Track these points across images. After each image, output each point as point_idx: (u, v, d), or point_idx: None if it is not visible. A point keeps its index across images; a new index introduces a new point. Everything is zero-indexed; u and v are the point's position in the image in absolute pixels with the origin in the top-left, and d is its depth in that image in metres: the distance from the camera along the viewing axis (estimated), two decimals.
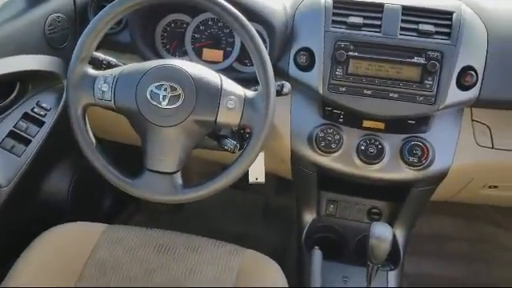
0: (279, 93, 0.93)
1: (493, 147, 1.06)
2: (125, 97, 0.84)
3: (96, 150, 0.86)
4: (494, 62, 0.99)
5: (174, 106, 0.82)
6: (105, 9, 0.85)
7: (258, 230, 1.68)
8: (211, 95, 0.83)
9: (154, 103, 0.83)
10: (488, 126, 1.07)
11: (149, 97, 0.83)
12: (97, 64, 0.92)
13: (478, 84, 0.99)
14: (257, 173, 1.12)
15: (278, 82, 0.94)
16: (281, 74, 1.06)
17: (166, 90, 0.83)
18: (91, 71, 0.87)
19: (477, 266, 1.57)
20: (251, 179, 1.12)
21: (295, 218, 1.27)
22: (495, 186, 1.15)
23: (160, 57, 1.13)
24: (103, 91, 0.84)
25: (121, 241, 0.98)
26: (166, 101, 0.83)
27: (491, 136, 1.07)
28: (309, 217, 1.23)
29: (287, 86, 0.93)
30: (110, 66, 0.93)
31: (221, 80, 0.85)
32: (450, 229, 1.66)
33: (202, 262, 0.95)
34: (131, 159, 1.01)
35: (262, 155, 1.10)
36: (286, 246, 1.53)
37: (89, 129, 0.88)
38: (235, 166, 0.84)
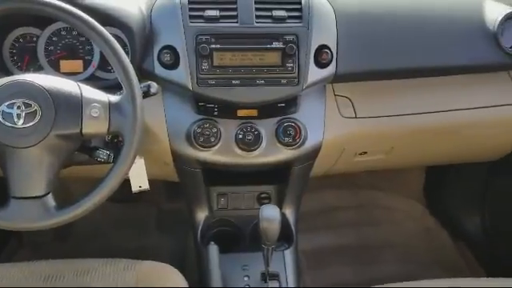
0: (147, 94, 0.91)
1: (356, 117, 1.15)
2: None
3: None
4: (344, 40, 1.07)
5: (32, 123, 0.76)
6: None
7: (155, 239, 1.64)
8: (71, 106, 0.79)
9: (9, 124, 0.76)
10: (349, 99, 1.16)
11: (1, 118, 0.76)
12: None
13: (334, 61, 1.07)
14: (139, 180, 1.09)
15: (144, 83, 0.92)
16: (147, 74, 1.04)
17: (19, 107, 0.76)
18: None
19: (365, 229, 1.70)
20: (134, 188, 1.09)
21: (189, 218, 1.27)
22: (365, 152, 1.25)
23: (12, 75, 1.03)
24: None
25: (2, 280, 0.89)
26: (22, 119, 0.76)
27: (353, 107, 1.16)
28: (201, 215, 1.22)
29: (154, 86, 0.92)
30: None
31: (80, 89, 0.81)
32: (335, 200, 1.77)
33: (95, 284, 0.90)
34: None
35: (141, 161, 1.07)
36: (186, 249, 1.52)
37: None
38: (109, 177, 0.80)
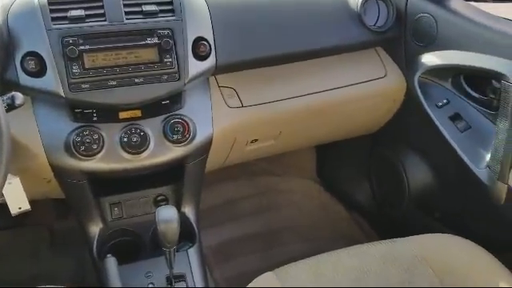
0: (11, 106, 0.82)
1: (243, 106, 1.16)
2: None
3: None
4: (220, 31, 1.07)
5: None
6: None
7: (49, 264, 1.51)
8: None
9: None
10: (234, 89, 1.16)
11: None
12: None
13: (213, 52, 1.06)
14: (18, 201, 0.99)
15: (7, 95, 0.83)
16: (12, 85, 0.94)
17: None
18: None
19: (267, 215, 1.73)
20: (13, 210, 0.99)
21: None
22: (256, 140, 1.27)
23: None
24: None
25: None
26: None
27: (239, 97, 1.16)
28: (95, 228, 1.15)
29: (19, 97, 0.83)
30: None
31: None
32: (235, 192, 1.78)
33: None
34: None
35: (17, 180, 0.98)
36: (84, 267, 1.42)
37: None
38: None
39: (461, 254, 0.97)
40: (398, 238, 1.01)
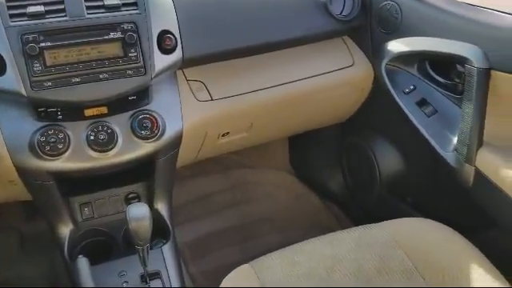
0: None
1: (212, 99, 1.15)
2: None
3: None
4: (185, 24, 1.05)
5: None
6: None
7: (20, 268, 1.48)
8: None
9: None
10: (202, 82, 1.15)
11: None
12: None
13: (179, 46, 1.04)
14: None
15: None
16: None
17: None
18: None
19: (242, 208, 1.73)
20: None
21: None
22: (227, 133, 1.26)
23: None
24: None
25: None
26: None
27: (208, 90, 1.15)
28: (65, 230, 1.12)
29: None
30: None
31: None
32: (209, 186, 1.77)
33: None
34: None
35: None
36: (56, 270, 1.39)
37: None
38: None
39: (432, 236, 0.99)
40: (371, 224, 1.02)
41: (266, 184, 1.81)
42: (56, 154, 0.96)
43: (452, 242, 0.97)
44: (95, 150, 0.99)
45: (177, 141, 1.09)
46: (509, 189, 0.95)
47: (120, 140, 1.00)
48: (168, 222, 1.19)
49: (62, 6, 0.95)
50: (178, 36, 1.04)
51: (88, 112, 1.00)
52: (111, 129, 1.00)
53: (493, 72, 0.95)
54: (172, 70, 1.07)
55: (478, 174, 1.02)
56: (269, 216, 1.70)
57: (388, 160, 1.39)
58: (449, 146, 1.09)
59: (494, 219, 1.07)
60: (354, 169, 1.59)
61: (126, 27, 0.97)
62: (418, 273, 0.92)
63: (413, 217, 1.06)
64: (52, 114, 0.97)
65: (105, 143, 0.99)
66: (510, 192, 0.95)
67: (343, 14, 1.23)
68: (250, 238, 1.62)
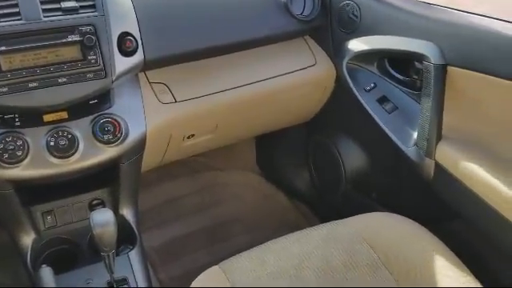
0: None
1: (176, 101, 1.14)
2: None
3: None
4: (145, 25, 1.04)
5: None
6: None
7: None
8: None
9: None
10: (166, 84, 1.14)
11: None
12: None
13: (140, 48, 1.03)
14: None
15: None
16: None
17: None
18: None
19: (211, 210, 1.72)
20: None
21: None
22: (192, 135, 1.25)
23: None
24: None
25: None
26: None
27: (171, 92, 1.14)
28: (27, 240, 1.09)
29: None
30: None
31: None
32: (177, 190, 1.75)
33: None
34: None
35: None
36: (20, 281, 1.34)
37: None
38: None
39: (397, 230, 1.01)
40: (338, 220, 1.04)
41: (233, 185, 1.80)
42: (15, 161, 0.93)
43: (416, 235, 1.00)
44: (56, 157, 0.96)
45: (141, 144, 1.08)
46: (468, 181, 0.98)
47: (81, 145, 0.98)
48: (134, 227, 1.17)
49: (16, 10, 0.92)
50: (138, 38, 1.02)
51: (47, 117, 0.97)
52: (72, 134, 0.97)
53: (449, 68, 0.98)
54: (133, 72, 1.05)
55: (438, 168, 1.05)
56: (237, 217, 1.69)
57: (352, 157, 1.42)
58: (409, 141, 1.12)
59: (455, 211, 1.10)
60: (320, 167, 1.60)
61: (84, 30, 0.95)
62: (384, 266, 0.93)
63: (378, 212, 1.08)
64: (9, 121, 0.94)
65: (65, 149, 0.96)
66: (469, 184, 0.98)
67: (304, 14, 1.25)
68: (220, 241, 1.61)
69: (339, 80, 1.30)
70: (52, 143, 0.96)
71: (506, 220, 0.90)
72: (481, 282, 0.89)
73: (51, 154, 0.96)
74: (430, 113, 1.03)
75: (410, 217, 1.04)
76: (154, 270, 1.44)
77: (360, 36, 1.19)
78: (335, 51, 1.28)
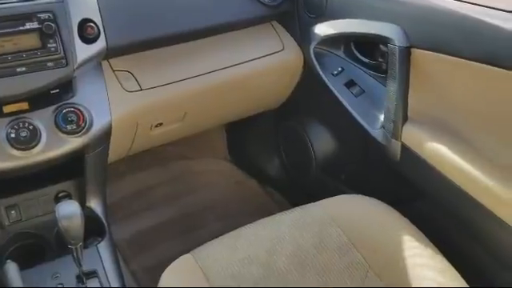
0: None
1: (142, 89, 1.12)
2: None
3: None
4: (107, 12, 1.01)
5: None
6: None
7: None
8: None
9: None
10: (130, 72, 1.12)
11: None
12: None
13: (102, 35, 1.00)
14: None
15: None
16: None
17: None
18: None
19: (184, 200, 1.70)
20: None
21: None
22: (160, 124, 1.23)
23: None
24: None
25: None
26: None
27: (136, 80, 1.12)
28: None
29: None
30: None
31: None
32: (148, 180, 1.73)
33: None
34: None
35: None
36: None
37: None
38: None
39: (366, 211, 1.03)
40: (308, 204, 1.04)
41: (205, 173, 1.80)
42: None
43: (385, 215, 1.02)
44: (17, 149, 0.93)
45: (106, 134, 1.05)
46: (433, 160, 1.00)
47: (44, 136, 0.96)
48: (103, 218, 1.15)
49: None
50: (100, 24, 1.00)
51: (7, 108, 0.94)
52: (33, 125, 0.95)
53: (413, 50, 0.99)
54: (96, 60, 1.02)
55: (405, 149, 1.06)
56: (210, 205, 1.69)
57: (322, 141, 1.42)
58: (376, 123, 1.13)
59: (421, 191, 1.12)
60: (290, 152, 1.61)
61: (43, 17, 0.92)
62: (355, 248, 0.95)
63: (348, 194, 1.09)
64: None
65: (27, 140, 0.94)
66: (434, 163, 1.00)
67: None
68: (192, 229, 1.60)
69: (307, 65, 1.30)
70: (13, 135, 0.93)
71: (470, 197, 0.92)
72: (446, 256, 0.92)
73: (12, 146, 0.93)
74: (396, 95, 1.04)
75: (378, 198, 1.05)
76: (125, 262, 1.42)
77: (327, 20, 1.19)
78: (302, 36, 1.28)
